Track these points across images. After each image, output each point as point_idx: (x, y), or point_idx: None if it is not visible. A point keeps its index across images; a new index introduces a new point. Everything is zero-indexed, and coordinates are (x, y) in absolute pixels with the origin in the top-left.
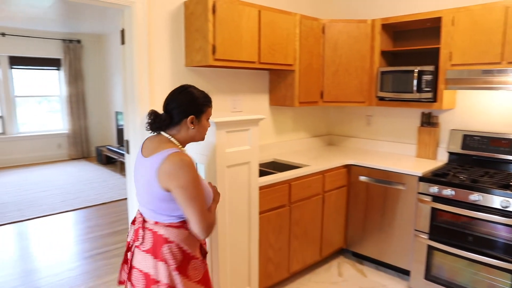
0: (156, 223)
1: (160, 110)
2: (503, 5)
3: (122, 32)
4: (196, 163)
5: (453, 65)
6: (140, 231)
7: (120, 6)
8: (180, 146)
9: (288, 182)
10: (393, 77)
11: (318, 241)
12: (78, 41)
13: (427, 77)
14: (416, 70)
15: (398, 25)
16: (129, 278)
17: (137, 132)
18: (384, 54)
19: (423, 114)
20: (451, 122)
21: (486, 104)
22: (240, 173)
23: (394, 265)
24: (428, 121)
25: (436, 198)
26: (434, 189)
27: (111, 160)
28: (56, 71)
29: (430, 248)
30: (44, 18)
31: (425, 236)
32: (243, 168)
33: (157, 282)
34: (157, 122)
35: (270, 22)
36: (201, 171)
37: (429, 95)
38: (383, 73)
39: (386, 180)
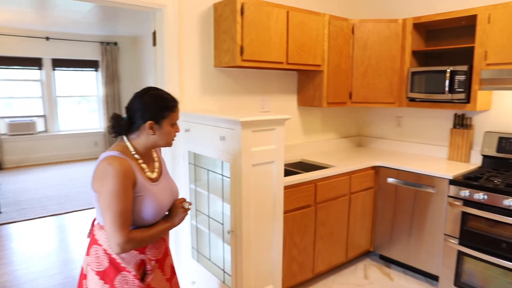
0: (98, 223)
1: (192, 109)
2: None
3: (154, 34)
4: (136, 173)
5: (488, 64)
6: (91, 229)
7: (152, 9)
8: (134, 152)
9: (314, 182)
10: (424, 78)
11: (344, 242)
12: (115, 43)
13: (460, 77)
14: (449, 70)
15: (431, 24)
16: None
17: None
18: (415, 54)
19: (456, 115)
20: (486, 124)
21: None
22: (265, 172)
23: (422, 269)
24: (461, 123)
25: (467, 202)
26: (465, 192)
27: None
28: (94, 72)
29: (460, 254)
30: (83, 22)
31: (455, 241)
32: (268, 167)
33: (86, 277)
34: (116, 127)
35: (298, 23)
36: (226, 170)
37: (462, 96)
38: (413, 73)
39: (415, 182)
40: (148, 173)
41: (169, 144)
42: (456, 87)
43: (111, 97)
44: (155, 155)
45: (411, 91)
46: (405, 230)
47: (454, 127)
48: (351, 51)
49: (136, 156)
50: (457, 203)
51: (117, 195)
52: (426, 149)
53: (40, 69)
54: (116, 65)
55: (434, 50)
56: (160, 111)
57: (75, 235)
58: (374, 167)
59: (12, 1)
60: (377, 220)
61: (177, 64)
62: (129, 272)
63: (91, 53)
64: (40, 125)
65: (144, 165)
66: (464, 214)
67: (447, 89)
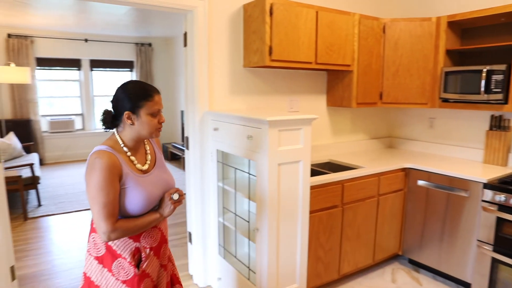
0: None
1: (220, 109)
2: None
3: (185, 35)
4: (122, 166)
5: None
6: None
7: (183, 11)
8: (122, 145)
9: (341, 183)
10: (458, 78)
11: (371, 244)
12: (149, 44)
13: (498, 77)
14: (485, 70)
15: (466, 21)
16: None
17: (196, 129)
18: (450, 53)
19: (492, 117)
20: None
21: None
22: (291, 171)
23: (453, 276)
24: (499, 125)
25: (503, 207)
26: (500, 197)
27: (175, 157)
28: (129, 72)
29: (495, 261)
30: (119, 24)
31: (489, 248)
32: (295, 166)
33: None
34: (104, 120)
35: (328, 23)
36: (253, 168)
37: (499, 96)
38: (447, 73)
39: (447, 185)
40: (138, 165)
41: (151, 134)
42: (493, 87)
43: None
44: (148, 147)
45: (445, 91)
46: (436, 235)
47: (491, 129)
48: (382, 51)
49: (125, 149)
50: (491, 208)
51: (102, 187)
52: (460, 152)
53: (79, 69)
54: (150, 66)
55: (470, 49)
56: (136, 101)
57: None
58: (404, 169)
59: (55, 6)
60: (406, 223)
61: (207, 64)
62: (125, 258)
63: (127, 54)
64: (78, 123)
65: (133, 158)
66: (499, 219)
67: (482, 89)
